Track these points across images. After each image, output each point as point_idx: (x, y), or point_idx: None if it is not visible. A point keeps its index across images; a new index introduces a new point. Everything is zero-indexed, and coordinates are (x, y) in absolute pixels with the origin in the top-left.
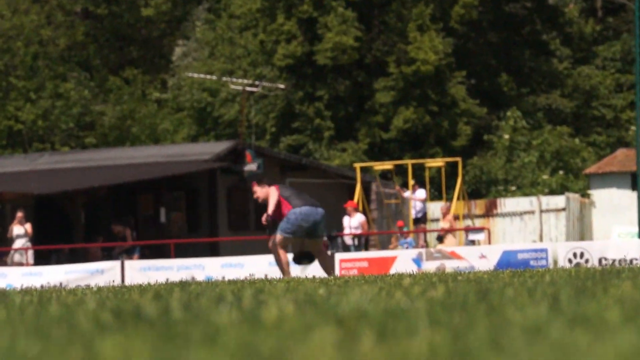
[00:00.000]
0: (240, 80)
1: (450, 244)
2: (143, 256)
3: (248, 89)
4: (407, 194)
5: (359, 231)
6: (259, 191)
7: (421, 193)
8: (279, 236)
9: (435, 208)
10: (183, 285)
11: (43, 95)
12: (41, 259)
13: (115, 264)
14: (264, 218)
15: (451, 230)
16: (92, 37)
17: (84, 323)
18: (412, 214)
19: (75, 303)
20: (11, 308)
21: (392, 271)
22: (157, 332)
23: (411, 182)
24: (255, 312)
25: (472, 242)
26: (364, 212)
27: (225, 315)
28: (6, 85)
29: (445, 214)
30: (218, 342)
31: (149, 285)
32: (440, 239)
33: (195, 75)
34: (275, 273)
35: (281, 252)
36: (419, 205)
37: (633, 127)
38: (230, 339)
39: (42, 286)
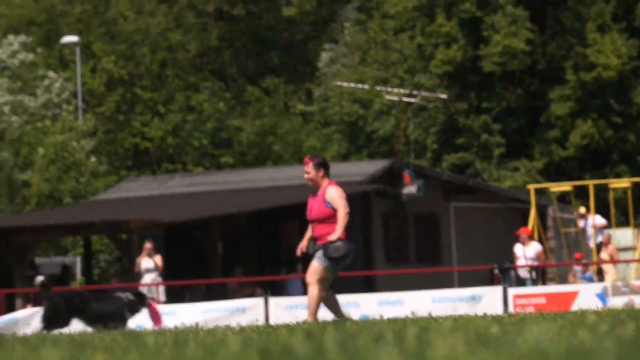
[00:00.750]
0: (396, 90)
1: (611, 278)
2: (285, 292)
3: (405, 99)
4: (582, 223)
5: (535, 262)
6: (313, 173)
7: (599, 219)
8: (321, 265)
9: (621, 235)
10: (337, 324)
11: (172, 109)
12: (174, 295)
13: (258, 302)
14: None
15: (613, 262)
16: (227, 42)
17: None
18: (591, 243)
19: (216, 344)
20: (144, 351)
21: (574, 308)
22: None
23: (581, 209)
24: (420, 353)
25: None
26: (540, 241)
27: (386, 356)
28: (131, 97)
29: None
30: None
31: (297, 325)
32: (600, 273)
33: (345, 84)
34: (439, 310)
35: (319, 288)
36: (599, 233)
37: None
38: None
39: (175, 327)
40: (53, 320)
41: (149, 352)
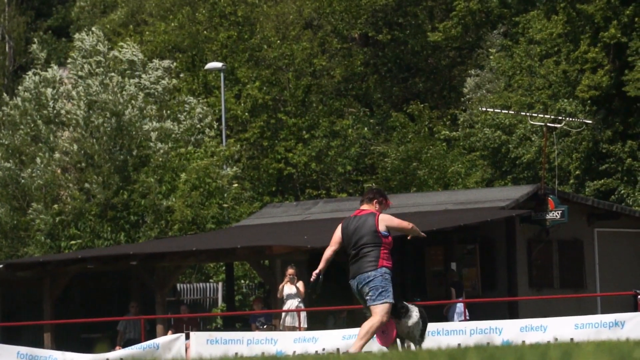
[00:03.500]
0: (541, 116)
1: None
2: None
3: (550, 124)
4: None
5: None
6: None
7: None
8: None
9: None
10: (479, 348)
11: (317, 134)
12: (316, 322)
13: None
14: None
15: None
16: (372, 67)
17: None
18: None
19: None
20: None
21: None
22: None
23: None
24: None
25: None
26: None
27: None
28: (275, 123)
29: None
30: None
31: (439, 350)
32: None
33: (490, 110)
34: (582, 336)
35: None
36: None
37: None
38: None
39: (316, 352)
40: None
41: None
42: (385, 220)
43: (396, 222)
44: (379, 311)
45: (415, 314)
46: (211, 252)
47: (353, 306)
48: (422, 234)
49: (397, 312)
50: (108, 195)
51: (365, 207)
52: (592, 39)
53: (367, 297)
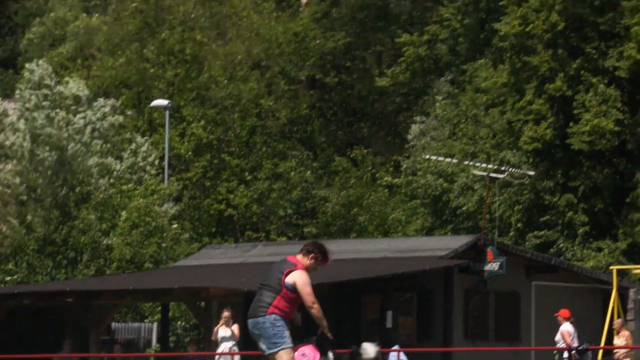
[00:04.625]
0: (483, 165)
1: None
2: None
3: (492, 175)
4: None
5: (559, 344)
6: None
7: None
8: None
9: None
10: None
11: (259, 176)
12: None
13: None
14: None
15: (627, 348)
16: (318, 110)
17: None
18: None
19: None
20: None
21: None
22: None
23: None
24: None
25: None
26: None
27: None
28: (218, 163)
29: (619, 330)
30: None
31: None
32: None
33: (434, 157)
34: None
35: None
36: None
37: None
38: None
39: None
40: None
41: None
42: (296, 278)
43: (306, 289)
44: (283, 358)
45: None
46: (148, 291)
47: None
48: (326, 328)
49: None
50: (48, 230)
51: (299, 257)
52: (537, 90)
53: (264, 348)
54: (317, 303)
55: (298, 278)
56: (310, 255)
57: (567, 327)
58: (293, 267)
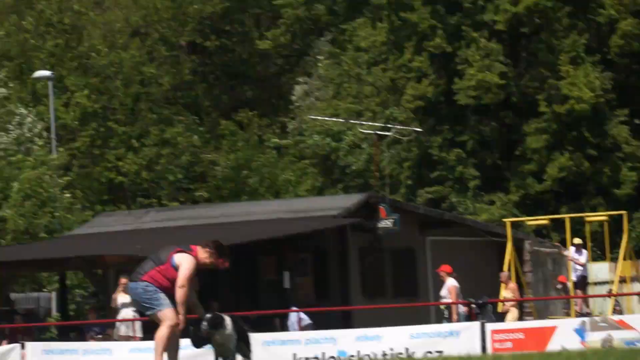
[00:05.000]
0: (369, 123)
1: (512, 319)
2: (264, 328)
3: (379, 132)
4: (568, 252)
5: (445, 299)
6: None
7: (584, 255)
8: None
9: (598, 269)
10: None
11: (147, 143)
12: (151, 332)
13: None
14: None
15: (515, 301)
16: (201, 75)
17: None
18: (573, 277)
19: None
20: None
21: (552, 343)
22: None
23: (577, 240)
24: None
25: None
26: (517, 275)
27: None
28: (105, 131)
29: (505, 282)
30: None
31: None
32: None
33: (319, 117)
34: (418, 346)
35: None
36: (580, 267)
37: None
38: None
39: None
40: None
41: None
42: (183, 260)
43: (184, 271)
44: (161, 319)
45: (229, 324)
46: (44, 261)
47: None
48: (184, 316)
49: (212, 323)
50: None
51: (198, 247)
52: (417, 48)
53: (143, 311)
54: (186, 289)
55: (185, 260)
56: (206, 249)
57: (453, 282)
58: (188, 251)
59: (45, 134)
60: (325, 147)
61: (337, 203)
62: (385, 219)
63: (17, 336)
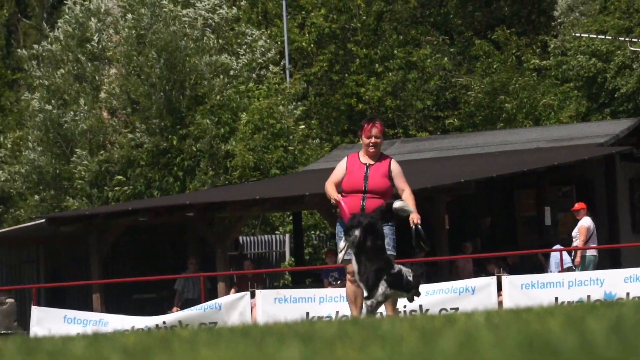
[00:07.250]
0: None
1: None
2: (522, 270)
3: None
4: None
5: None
6: (381, 140)
7: None
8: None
9: None
10: (595, 306)
11: (391, 67)
12: None
13: (489, 281)
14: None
15: None
16: None
17: None
18: None
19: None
20: None
21: None
22: None
23: None
24: None
25: None
26: None
27: None
28: (344, 55)
29: None
30: None
31: (541, 308)
32: None
33: (585, 35)
34: None
35: None
36: None
37: None
38: None
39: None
40: None
41: None
42: None
43: None
44: None
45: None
46: (277, 200)
47: (438, 257)
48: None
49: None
50: (156, 140)
51: None
52: None
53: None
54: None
55: None
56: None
57: (587, 222)
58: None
59: (278, 58)
60: (590, 68)
61: (603, 129)
62: None
63: (246, 283)
